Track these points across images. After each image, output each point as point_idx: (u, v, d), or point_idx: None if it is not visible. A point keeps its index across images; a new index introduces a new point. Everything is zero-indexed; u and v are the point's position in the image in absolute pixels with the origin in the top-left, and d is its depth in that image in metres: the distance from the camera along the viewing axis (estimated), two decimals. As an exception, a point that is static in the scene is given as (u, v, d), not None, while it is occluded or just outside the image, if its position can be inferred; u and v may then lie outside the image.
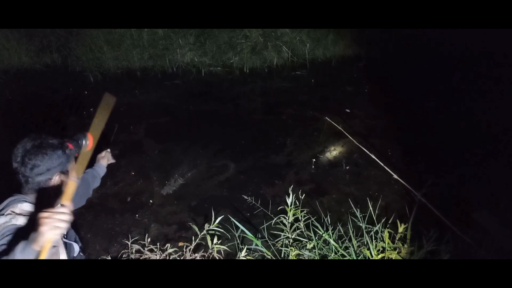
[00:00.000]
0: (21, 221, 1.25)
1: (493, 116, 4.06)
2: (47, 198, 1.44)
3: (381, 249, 2.19)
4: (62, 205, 1.16)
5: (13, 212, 1.27)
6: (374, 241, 2.23)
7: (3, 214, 1.27)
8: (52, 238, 1.07)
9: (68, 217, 1.12)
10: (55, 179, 1.38)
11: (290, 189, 2.48)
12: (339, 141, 3.68)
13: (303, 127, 4.00)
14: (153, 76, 5.11)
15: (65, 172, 1.42)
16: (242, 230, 2.31)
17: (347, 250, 2.21)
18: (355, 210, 2.48)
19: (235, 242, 2.47)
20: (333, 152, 3.59)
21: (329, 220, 2.55)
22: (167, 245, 2.40)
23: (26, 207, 1.31)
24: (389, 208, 2.82)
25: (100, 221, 2.78)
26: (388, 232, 2.21)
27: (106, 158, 2.04)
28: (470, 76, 4.88)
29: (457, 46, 5.56)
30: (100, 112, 1.68)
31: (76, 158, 1.48)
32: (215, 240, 2.34)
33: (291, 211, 2.42)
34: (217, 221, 2.34)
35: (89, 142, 1.58)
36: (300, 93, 4.73)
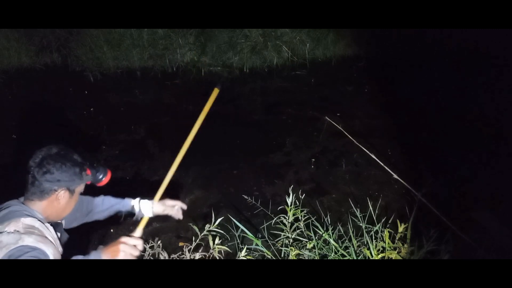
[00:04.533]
0: (28, 241, 1.19)
1: (493, 115, 4.07)
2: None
3: (381, 249, 2.18)
4: (138, 237, 1.39)
5: (17, 230, 1.21)
6: (374, 241, 2.23)
7: (5, 231, 1.20)
8: None
9: (140, 250, 1.35)
10: (60, 193, 1.37)
11: (290, 188, 2.48)
12: (339, 141, 3.68)
13: (302, 127, 4.00)
14: (153, 76, 5.12)
15: (71, 191, 1.41)
16: (242, 230, 2.31)
17: (347, 250, 2.21)
18: (355, 210, 2.48)
19: (235, 242, 2.47)
20: (333, 152, 3.59)
21: (329, 220, 2.55)
22: (167, 245, 2.40)
23: (29, 221, 1.27)
24: (389, 208, 2.82)
25: (98, 221, 2.77)
26: (388, 232, 2.21)
27: (171, 208, 1.91)
28: (470, 76, 4.88)
29: (457, 46, 5.56)
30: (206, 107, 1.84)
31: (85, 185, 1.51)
32: (216, 241, 2.34)
33: (291, 211, 2.42)
34: (218, 221, 2.34)
35: (104, 179, 1.59)
36: (300, 93, 4.73)
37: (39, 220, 1.31)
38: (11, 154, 3.39)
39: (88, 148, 3.58)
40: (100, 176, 1.57)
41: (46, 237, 1.28)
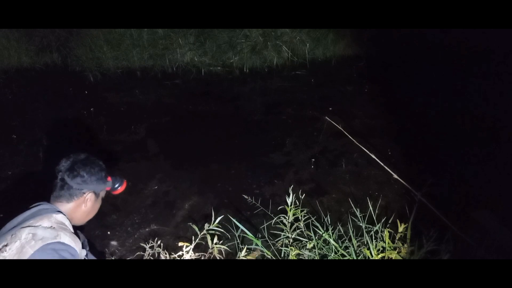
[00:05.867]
0: (65, 239, 1.27)
1: (493, 115, 4.07)
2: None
3: (381, 248, 2.19)
4: None
5: (53, 227, 1.28)
6: (374, 240, 2.23)
7: (41, 225, 1.27)
8: None
9: None
10: (88, 196, 1.48)
11: (290, 188, 2.48)
12: (339, 141, 3.68)
13: (302, 127, 4.00)
14: (153, 76, 5.12)
15: (96, 194, 1.53)
16: (242, 230, 2.31)
17: (347, 250, 2.21)
18: (355, 209, 2.48)
19: (235, 242, 2.47)
20: (333, 152, 3.59)
21: (329, 219, 2.55)
22: (166, 245, 2.40)
23: (60, 218, 1.36)
24: (389, 208, 2.82)
25: (97, 221, 2.78)
26: (388, 232, 2.21)
27: None
28: (470, 75, 4.88)
29: (457, 46, 5.56)
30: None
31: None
32: (215, 240, 2.35)
33: (291, 211, 2.42)
34: (217, 221, 2.34)
35: (120, 188, 1.73)
36: (300, 93, 4.73)
37: (68, 219, 1.41)
38: (11, 154, 3.39)
39: (88, 148, 3.58)
40: (117, 185, 1.71)
41: (76, 236, 1.36)
